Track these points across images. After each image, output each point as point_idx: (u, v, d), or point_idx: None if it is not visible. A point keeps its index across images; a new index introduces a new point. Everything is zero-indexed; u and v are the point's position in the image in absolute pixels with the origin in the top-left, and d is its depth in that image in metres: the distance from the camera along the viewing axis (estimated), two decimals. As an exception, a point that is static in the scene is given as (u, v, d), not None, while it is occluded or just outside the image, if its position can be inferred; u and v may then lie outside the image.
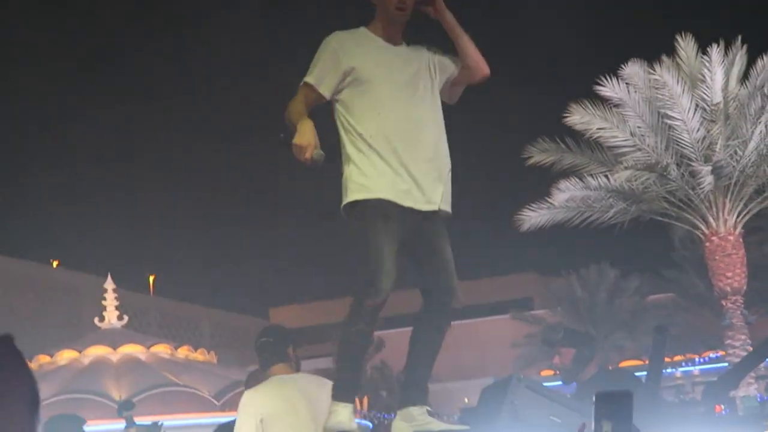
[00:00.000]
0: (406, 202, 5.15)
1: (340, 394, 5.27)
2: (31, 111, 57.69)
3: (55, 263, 40.09)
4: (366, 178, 5.19)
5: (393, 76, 5.26)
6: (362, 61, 5.25)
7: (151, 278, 43.65)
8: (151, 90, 63.80)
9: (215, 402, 23.17)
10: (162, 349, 26.47)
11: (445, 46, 5.55)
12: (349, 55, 5.23)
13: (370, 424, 27.66)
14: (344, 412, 5.20)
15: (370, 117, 5.21)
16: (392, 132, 5.18)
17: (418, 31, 5.58)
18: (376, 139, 5.18)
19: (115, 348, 25.14)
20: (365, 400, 29.08)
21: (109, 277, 27.29)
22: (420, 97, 5.29)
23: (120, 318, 26.76)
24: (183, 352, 27.24)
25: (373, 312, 5.23)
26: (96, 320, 26.88)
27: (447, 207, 5.28)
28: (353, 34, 5.36)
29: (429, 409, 5.42)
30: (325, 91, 5.20)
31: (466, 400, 34.58)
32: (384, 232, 5.14)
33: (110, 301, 27.03)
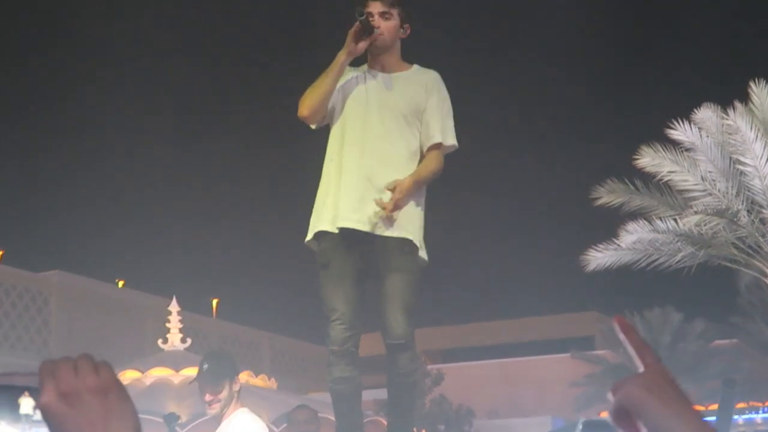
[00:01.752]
0: (348, 224, 5.19)
1: None
2: (96, 133, 58.48)
3: (120, 283, 40.46)
4: (315, 213, 5.37)
5: (360, 104, 5.35)
6: (338, 89, 5.43)
7: (215, 302, 43.90)
8: (218, 116, 64.46)
9: (274, 428, 23.19)
10: (223, 373, 26.58)
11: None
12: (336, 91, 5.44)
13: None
14: None
15: (331, 144, 5.36)
16: (345, 154, 5.28)
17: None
18: (332, 163, 5.32)
19: (177, 370, 25.25)
20: (422, 434, 28.97)
21: (174, 300, 27.47)
22: (385, 122, 5.33)
23: (183, 340, 26.90)
24: (244, 376, 27.23)
25: (342, 357, 5.21)
26: (159, 342, 27.05)
27: (402, 234, 5.23)
28: (353, 69, 5.50)
29: None
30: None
31: (523, 438, 34.37)
32: (328, 277, 5.23)
33: (174, 323, 27.19)
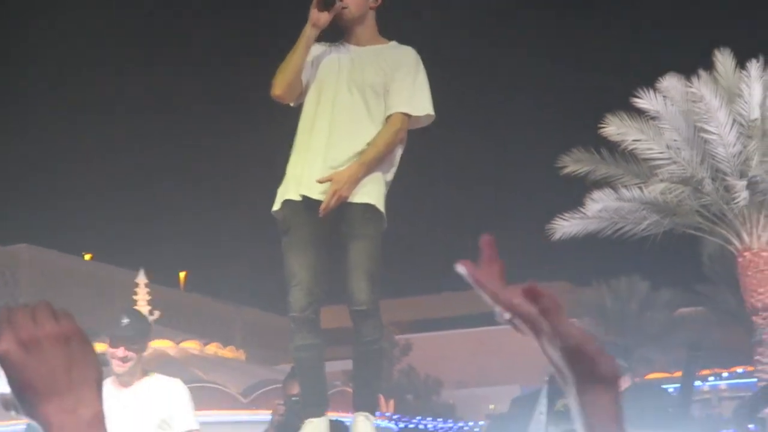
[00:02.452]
0: (311, 194, 5.19)
1: (307, 411, 5.28)
2: (65, 105, 58.11)
3: (87, 256, 40.31)
4: (283, 183, 5.37)
5: (332, 78, 5.36)
6: (313, 65, 5.44)
7: (182, 274, 43.86)
8: (188, 86, 64.14)
9: (242, 399, 23.24)
10: (191, 345, 26.57)
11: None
12: (307, 63, 5.43)
13: (395, 427, 27.70)
14: (309, 428, 5.21)
15: (303, 117, 5.39)
16: (316, 126, 5.29)
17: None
18: (303, 135, 5.34)
19: (144, 343, 25.21)
20: (391, 404, 29.08)
21: (142, 272, 27.39)
22: (355, 95, 5.33)
23: (151, 313, 26.83)
24: (212, 348, 27.34)
25: (303, 325, 5.21)
26: (127, 314, 26.96)
27: (364, 199, 5.21)
28: (329, 44, 5.52)
29: (366, 414, 5.31)
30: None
31: (491, 406, 34.59)
32: (289, 243, 5.24)
33: (142, 295, 27.10)
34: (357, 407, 5.31)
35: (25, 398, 1.27)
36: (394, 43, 5.51)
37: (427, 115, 5.43)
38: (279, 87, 5.36)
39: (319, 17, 5.29)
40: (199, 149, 62.52)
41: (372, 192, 5.22)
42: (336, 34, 5.53)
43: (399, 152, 5.42)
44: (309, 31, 5.31)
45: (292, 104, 5.48)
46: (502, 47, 63.02)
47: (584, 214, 18.92)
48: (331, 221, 5.18)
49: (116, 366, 5.54)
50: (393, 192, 5.38)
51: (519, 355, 40.75)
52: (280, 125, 5.78)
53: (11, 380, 1.27)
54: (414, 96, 5.36)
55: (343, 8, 5.32)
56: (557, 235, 19.10)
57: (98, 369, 1.31)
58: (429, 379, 37.17)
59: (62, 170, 59.87)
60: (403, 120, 5.32)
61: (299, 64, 5.32)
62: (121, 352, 5.50)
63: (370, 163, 5.20)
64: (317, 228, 5.21)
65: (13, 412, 1.33)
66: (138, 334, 5.56)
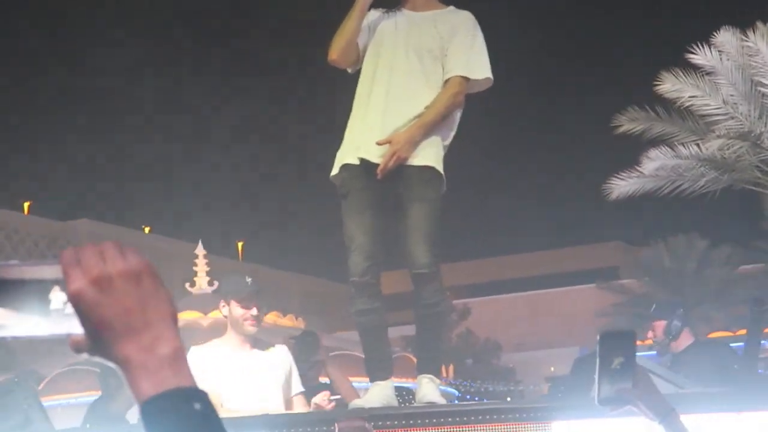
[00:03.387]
0: (370, 156, 5.20)
1: (372, 375, 5.30)
2: (122, 85, 58.50)
3: (147, 229, 40.69)
4: (341, 148, 5.40)
5: (389, 43, 5.34)
6: (371, 30, 5.44)
7: (240, 244, 44.17)
8: (241, 61, 64.28)
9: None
10: (251, 315, 26.72)
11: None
12: (364, 29, 5.44)
13: (456, 392, 27.75)
14: (375, 390, 5.24)
15: (362, 82, 5.41)
16: (374, 92, 5.30)
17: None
18: (360, 100, 5.32)
19: (205, 313, 25.36)
20: (450, 368, 29.14)
21: (200, 244, 27.58)
22: (412, 60, 5.33)
23: (210, 283, 27.02)
24: (271, 317, 27.47)
25: (363, 289, 5.21)
26: (187, 285, 27.17)
27: (423, 162, 5.22)
28: (385, 9, 5.51)
29: (430, 377, 5.30)
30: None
31: (552, 368, 34.56)
32: (348, 207, 5.26)
33: (201, 266, 27.29)
34: (420, 370, 5.33)
35: (101, 339, 1.25)
36: (451, 7, 5.51)
37: (486, 79, 5.42)
38: (335, 52, 5.38)
39: None
40: (256, 119, 62.75)
41: (431, 154, 5.21)
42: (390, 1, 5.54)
43: (457, 116, 5.41)
44: None
45: (349, 70, 5.48)
46: (556, 7, 62.59)
47: (641, 172, 18.76)
48: (389, 184, 5.18)
49: (249, 326, 5.53)
50: (450, 155, 5.38)
51: (577, 317, 40.66)
52: (339, 90, 5.80)
53: (85, 321, 1.25)
54: (472, 59, 5.35)
55: None
56: (614, 195, 18.97)
57: (172, 304, 1.29)
58: (488, 343, 37.18)
59: (121, 145, 60.38)
60: (461, 83, 5.31)
61: (355, 29, 5.33)
62: (254, 311, 5.50)
63: (428, 126, 5.20)
64: (376, 192, 5.22)
65: (84, 355, 1.30)
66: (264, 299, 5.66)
